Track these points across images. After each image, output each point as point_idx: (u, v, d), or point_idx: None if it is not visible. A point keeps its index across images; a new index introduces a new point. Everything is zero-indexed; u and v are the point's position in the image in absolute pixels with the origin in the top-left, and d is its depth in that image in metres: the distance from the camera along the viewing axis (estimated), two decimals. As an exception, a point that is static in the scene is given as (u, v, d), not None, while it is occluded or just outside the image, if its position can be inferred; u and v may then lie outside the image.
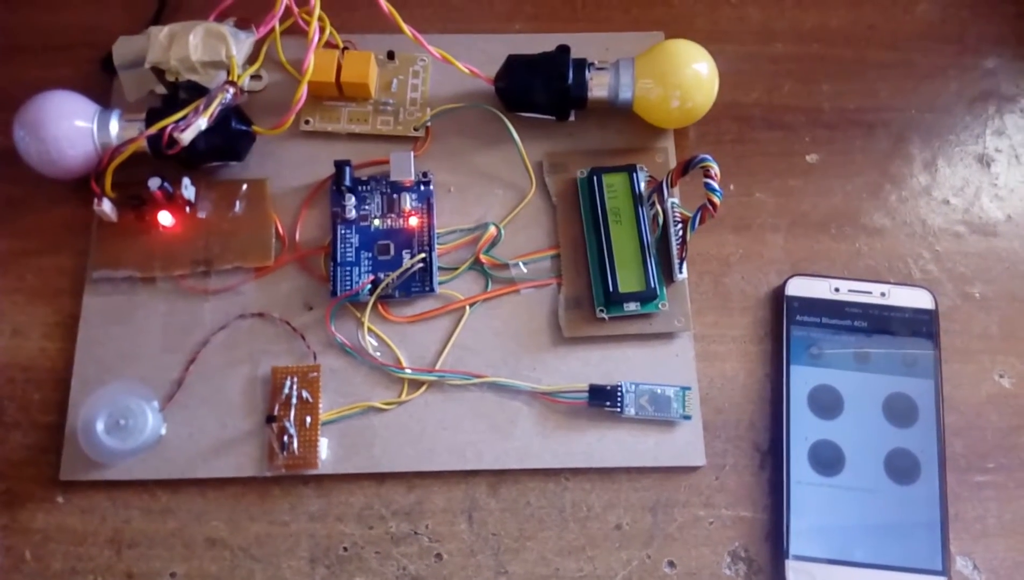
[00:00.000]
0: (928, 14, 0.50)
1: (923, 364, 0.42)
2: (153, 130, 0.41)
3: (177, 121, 0.41)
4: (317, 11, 0.42)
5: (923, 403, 0.41)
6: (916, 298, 0.43)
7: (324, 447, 0.40)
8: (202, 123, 0.41)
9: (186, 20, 0.45)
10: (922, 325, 0.42)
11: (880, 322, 0.42)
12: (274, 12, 0.44)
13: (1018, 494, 0.41)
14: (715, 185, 0.40)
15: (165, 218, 0.43)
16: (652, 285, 0.42)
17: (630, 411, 0.41)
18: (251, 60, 0.46)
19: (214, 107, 0.41)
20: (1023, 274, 0.45)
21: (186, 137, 0.41)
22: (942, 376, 0.42)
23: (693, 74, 0.43)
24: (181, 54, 0.43)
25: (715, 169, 0.40)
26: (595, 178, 0.44)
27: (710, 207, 0.41)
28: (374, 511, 0.40)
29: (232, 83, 0.42)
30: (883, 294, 0.43)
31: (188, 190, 0.43)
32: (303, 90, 0.42)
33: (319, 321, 0.43)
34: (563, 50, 0.44)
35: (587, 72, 0.44)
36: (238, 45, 0.44)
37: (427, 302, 0.43)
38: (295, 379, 0.41)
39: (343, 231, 0.44)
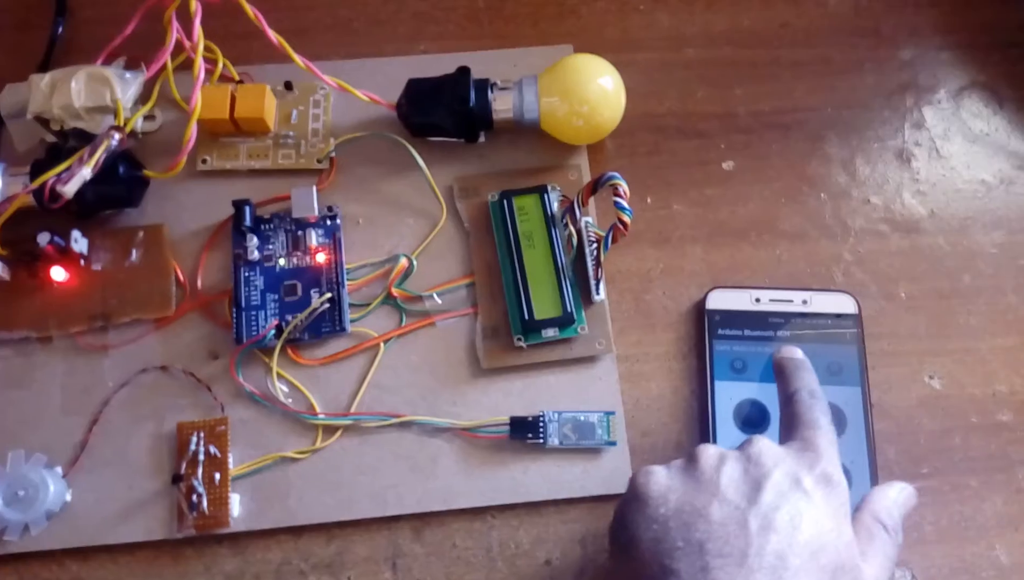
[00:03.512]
0: (841, 7, 0.49)
1: (848, 371, 0.41)
2: (34, 185, 0.39)
3: (60, 174, 0.39)
4: (201, 44, 0.40)
5: (851, 412, 0.40)
6: (838, 303, 0.42)
7: (236, 503, 0.39)
8: (86, 173, 0.39)
9: (77, 63, 0.44)
10: (845, 331, 0.41)
11: (803, 331, 0.41)
12: (164, 47, 0.42)
13: (954, 498, 0.40)
14: (624, 204, 0.39)
15: (58, 273, 0.41)
16: (568, 309, 0.41)
17: (554, 441, 0.40)
18: (143, 100, 0.44)
19: (99, 155, 0.39)
20: (948, 270, 0.44)
21: (69, 190, 0.39)
22: (869, 382, 0.41)
23: (598, 89, 0.42)
24: (64, 101, 0.41)
25: (624, 187, 0.39)
26: (505, 201, 0.43)
27: (620, 226, 0.39)
28: (293, 566, 0.39)
29: (118, 128, 0.40)
30: (804, 302, 0.42)
31: (79, 243, 0.41)
32: (191, 131, 0.40)
33: (226, 370, 0.41)
34: (463, 71, 0.43)
35: (490, 93, 0.43)
36: (125, 87, 0.42)
37: (339, 342, 0.42)
38: (202, 434, 0.39)
39: (246, 273, 0.42)
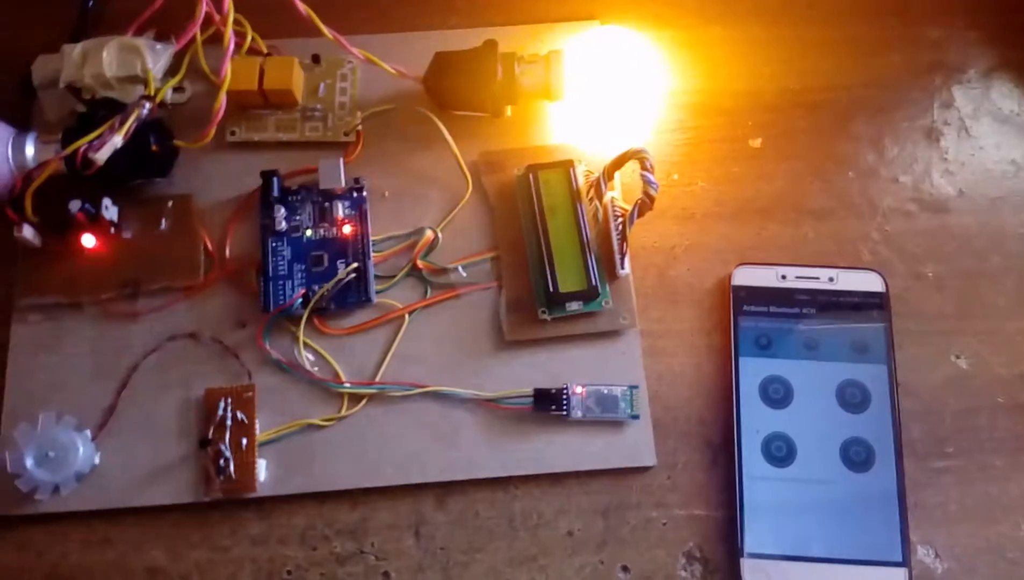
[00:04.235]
0: (870, -15, 0.49)
1: (875, 349, 0.41)
2: (67, 152, 0.40)
3: (92, 141, 0.40)
4: (231, 17, 0.41)
5: (876, 389, 0.40)
6: (866, 281, 0.42)
7: (262, 469, 0.39)
8: (118, 141, 0.40)
9: (106, 35, 0.44)
10: (872, 309, 0.41)
11: (829, 308, 0.41)
12: (194, 20, 0.43)
13: (978, 477, 0.40)
14: (651, 177, 0.39)
15: (88, 241, 0.42)
16: (593, 283, 0.41)
17: (577, 414, 0.40)
18: (173, 72, 0.45)
19: (130, 123, 0.40)
20: (977, 251, 0.44)
21: (101, 156, 0.39)
22: (895, 361, 0.40)
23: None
24: (95, 71, 0.42)
25: (651, 160, 0.39)
26: (531, 176, 0.43)
27: (647, 200, 0.39)
28: (317, 531, 0.39)
29: (148, 97, 0.41)
30: (831, 279, 0.42)
31: (109, 211, 0.42)
32: (221, 100, 0.41)
33: (253, 338, 0.41)
34: (490, 45, 0.43)
35: (516, 67, 0.43)
36: (155, 58, 0.43)
37: (365, 313, 0.42)
38: (229, 400, 0.40)
39: (274, 244, 0.42)
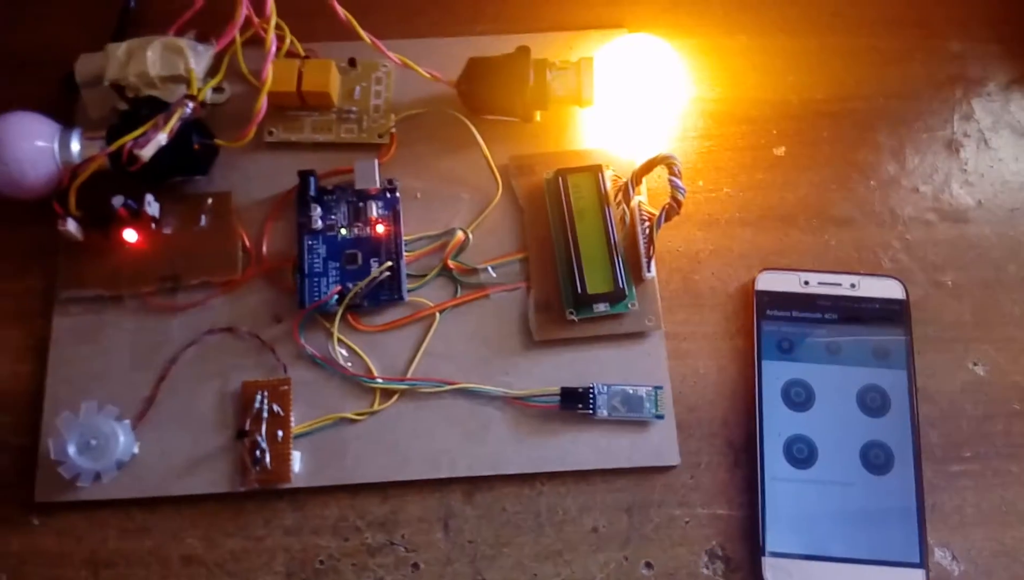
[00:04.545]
0: (893, -1, 0.50)
1: (895, 355, 0.41)
2: (112, 148, 0.41)
3: (137, 138, 0.41)
4: (273, 20, 0.42)
5: (896, 394, 0.41)
6: (886, 288, 0.43)
7: (297, 460, 0.40)
8: (162, 138, 0.41)
9: (146, 35, 0.45)
10: (893, 316, 0.42)
11: (851, 314, 0.42)
12: (234, 22, 0.44)
13: (995, 482, 0.41)
14: (679, 182, 0.40)
15: (130, 235, 0.43)
16: (620, 285, 0.42)
17: (603, 413, 0.41)
18: (212, 73, 0.46)
19: (174, 122, 0.41)
20: (995, 260, 0.45)
21: (146, 153, 0.40)
22: (915, 366, 0.41)
23: (655, 71, 0.43)
24: (139, 70, 0.43)
25: (678, 166, 0.40)
26: (560, 180, 0.44)
27: (674, 204, 0.40)
28: (349, 523, 0.40)
29: (191, 97, 0.42)
30: (853, 286, 0.43)
31: (151, 206, 0.43)
32: (263, 101, 0.42)
33: (288, 333, 0.42)
34: (523, 51, 0.44)
35: (548, 73, 0.44)
36: (197, 58, 0.44)
37: (396, 310, 0.43)
38: (265, 393, 0.41)
39: (310, 242, 0.43)
